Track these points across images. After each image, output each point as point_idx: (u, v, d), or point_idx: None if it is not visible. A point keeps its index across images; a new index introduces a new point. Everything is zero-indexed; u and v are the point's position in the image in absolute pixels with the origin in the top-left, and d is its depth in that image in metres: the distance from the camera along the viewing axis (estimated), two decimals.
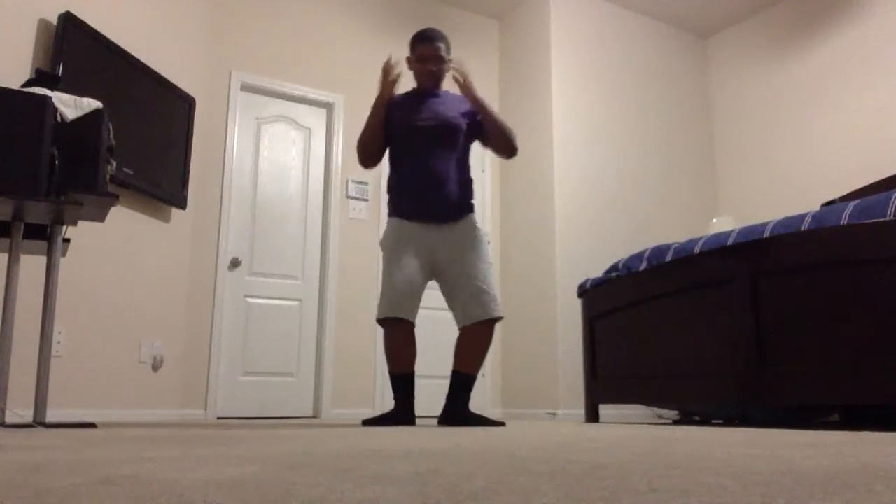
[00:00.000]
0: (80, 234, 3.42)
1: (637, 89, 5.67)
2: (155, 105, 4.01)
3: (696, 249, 3.23)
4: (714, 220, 5.11)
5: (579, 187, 5.22)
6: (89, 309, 3.60)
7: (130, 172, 3.72)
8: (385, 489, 0.70)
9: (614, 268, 3.80)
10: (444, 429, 2.56)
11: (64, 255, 2.69)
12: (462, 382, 3.00)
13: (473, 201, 3.17)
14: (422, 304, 3.03)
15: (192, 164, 4.32)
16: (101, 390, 3.66)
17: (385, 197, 3.27)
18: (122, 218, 3.78)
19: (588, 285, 3.94)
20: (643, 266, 3.55)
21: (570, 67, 5.38)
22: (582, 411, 4.14)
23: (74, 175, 2.36)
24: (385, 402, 4.72)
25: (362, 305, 4.89)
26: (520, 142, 3.18)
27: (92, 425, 2.50)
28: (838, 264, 2.64)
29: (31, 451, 1.25)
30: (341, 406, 4.73)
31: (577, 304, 4.20)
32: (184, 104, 4.26)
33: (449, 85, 3.17)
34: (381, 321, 2.98)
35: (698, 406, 3.79)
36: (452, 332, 3.05)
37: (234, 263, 4.61)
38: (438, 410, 3.07)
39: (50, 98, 2.35)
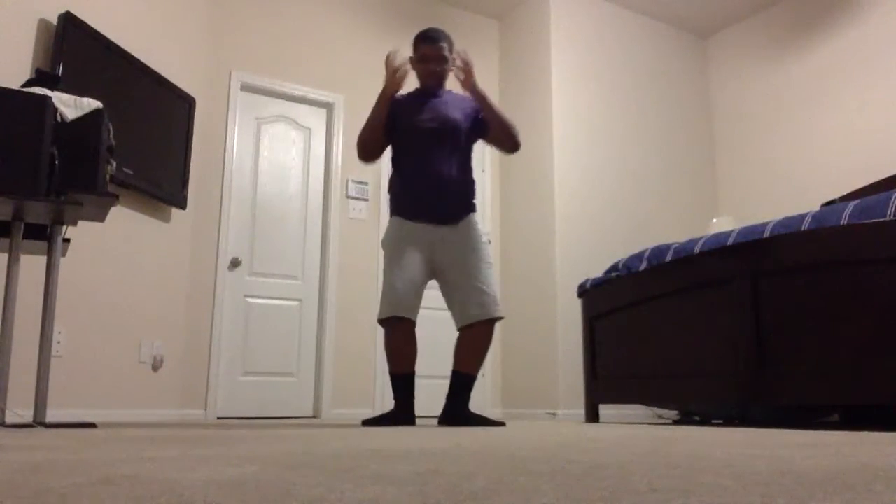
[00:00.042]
0: (80, 234, 3.42)
1: (637, 89, 5.67)
2: (155, 105, 4.01)
3: (696, 249, 3.23)
4: (714, 220, 5.11)
5: (579, 187, 5.22)
6: (89, 309, 3.60)
7: (130, 172, 3.72)
8: (385, 489, 0.70)
9: (614, 268, 3.80)
10: (444, 429, 2.56)
11: (64, 255, 2.69)
12: (462, 382, 3.00)
13: (475, 201, 3.16)
14: (422, 304, 3.03)
15: (192, 164, 4.32)
16: (101, 390, 3.66)
17: (385, 197, 3.27)
18: (122, 218, 3.78)
19: (588, 285, 3.94)
20: (643, 266, 3.55)
21: (570, 67, 5.38)
22: (582, 411, 4.14)
23: (74, 175, 2.36)
24: (385, 402, 4.72)
25: (362, 305, 4.90)
26: (521, 138, 3.17)
27: (92, 425, 2.50)
28: (838, 264, 2.64)
29: (31, 451, 1.25)
30: (341, 406, 4.73)
31: (577, 304, 4.20)
32: (184, 104, 4.26)
33: (452, 85, 3.16)
34: (382, 321, 2.98)
35: (698, 406, 3.79)
36: (452, 332, 3.05)
37: (234, 263, 4.62)
38: (438, 410, 3.07)
39: (50, 98, 2.35)
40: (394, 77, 3.00)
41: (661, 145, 5.70)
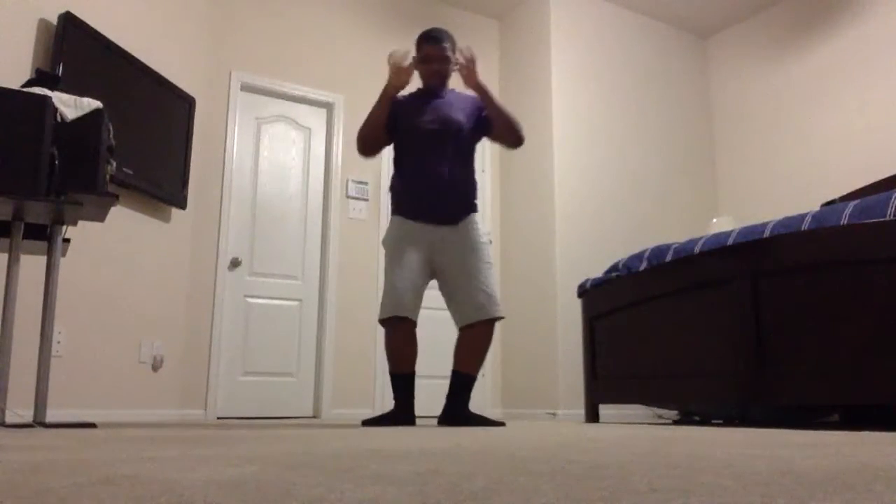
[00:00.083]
0: (80, 234, 3.42)
1: (637, 89, 5.67)
2: (155, 105, 4.01)
3: (696, 249, 3.23)
4: (714, 220, 5.11)
5: (579, 187, 5.22)
6: (89, 309, 3.60)
7: (130, 172, 3.72)
8: (385, 489, 0.70)
9: (614, 268, 3.80)
10: (444, 429, 2.56)
11: (64, 255, 2.69)
12: (462, 382, 3.00)
13: (477, 201, 3.16)
14: (422, 304, 3.02)
15: (192, 164, 4.32)
16: (101, 390, 3.66)
17: (386, 197, 3.27)
18: (122, 218, 3.78)
19: (588, 285, 3.94)
20: (643, 266, 3.55)
21: (570, 67, 5.38)
22: (582, 411, 4.14)
23: (74, 175, 2.36)
24: (385, 402, 4.72)
25: (362, 305, 4.90)
26: (524, 133, 3.18)
27: (92, 425, 2.50)
28: (838, 264, 2.64)
29: (31, 451, 1.25)
30: (341, 406, 4.73)
31: (577, 304, 4.20)
32: (184, 104, 4.26)
33: (455, 84, 3.15)
34: (383, 321, 2.98)
35: (698, 406, 3.79)
36: (452, 332, 3.05)
37: (234, 263, 4.62)
38: (438, 410, 3.07)
39: (50, 98, 2.35)
40: (398, 75, 3.00)
41: (661, 145, 5.70)
